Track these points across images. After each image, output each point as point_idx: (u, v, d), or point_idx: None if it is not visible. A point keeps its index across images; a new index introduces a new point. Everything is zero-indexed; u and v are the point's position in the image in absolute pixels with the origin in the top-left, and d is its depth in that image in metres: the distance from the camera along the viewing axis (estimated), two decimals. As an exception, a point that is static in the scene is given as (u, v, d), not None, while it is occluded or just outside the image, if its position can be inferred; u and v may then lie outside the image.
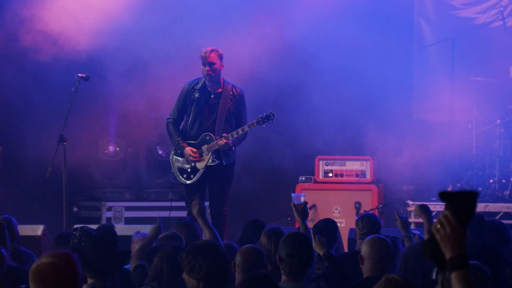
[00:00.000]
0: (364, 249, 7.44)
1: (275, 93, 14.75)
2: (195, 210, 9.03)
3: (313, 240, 8.24)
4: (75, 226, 11.35)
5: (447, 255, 4.05)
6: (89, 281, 6.98)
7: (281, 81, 14.89)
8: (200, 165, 11.85)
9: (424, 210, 9.00)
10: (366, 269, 7.39)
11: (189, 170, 11.92)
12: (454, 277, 4.05)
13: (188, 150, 11.79)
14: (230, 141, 11.66)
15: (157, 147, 15.04)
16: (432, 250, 4.04)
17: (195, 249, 6.58)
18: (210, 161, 11.79)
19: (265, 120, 11.69)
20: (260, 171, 15.17)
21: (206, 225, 8.84)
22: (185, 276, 6.60)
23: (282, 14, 15.25)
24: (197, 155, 11.78)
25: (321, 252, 8.21)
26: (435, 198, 14.63)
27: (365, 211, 13.49)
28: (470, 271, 5.67)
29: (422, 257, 7.40)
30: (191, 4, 14.74)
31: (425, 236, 7.77)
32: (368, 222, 9.23)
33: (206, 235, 8.73)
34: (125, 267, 8.28)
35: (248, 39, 14.76)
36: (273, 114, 11.69)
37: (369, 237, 7.74)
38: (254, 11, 14.92)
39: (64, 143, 12.43)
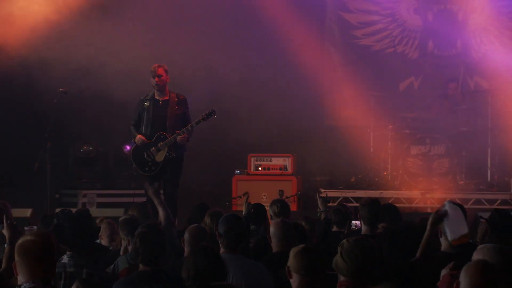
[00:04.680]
0: (271, 230, 7.42)
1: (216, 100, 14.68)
2: (150, 192, 9.01)
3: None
4: (57, 209, 11.28)
5: None
6: (68, 253, 6.93)
7: (222, 92, 14.85)
8: (158, 158, 11.83)
9: None
10: (273, 245, 7.38)
11: (150, 163, 11.88)
12: None
13: (138, 136, 11.83)
14: (183, 135, 11.71)
15: (123, 146, 14.94)
16: None
17: (136, 234, 6.63)
18: (167, 154, 11.79)
19: (209, 116, 11.76)
20: (203, 164, 15.12)
21: (160, 204, 8.79)
22: None
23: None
24: (145, 139, 11.77)
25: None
26: (341, 187, 14.71)
27: (286, 197, 13.51)
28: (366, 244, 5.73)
29: None
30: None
31: None
32: (280, 206, 9.22)
33: (160, 214, 8.70)
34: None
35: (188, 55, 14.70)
36: (214, 111, 11.76)
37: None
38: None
39: (48, 143, 12.34)
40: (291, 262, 5.62)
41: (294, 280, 5.64)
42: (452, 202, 7.08)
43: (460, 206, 8.50)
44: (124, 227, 8.37)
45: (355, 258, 5.59)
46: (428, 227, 6.91)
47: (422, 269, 6.80)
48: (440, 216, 6.89)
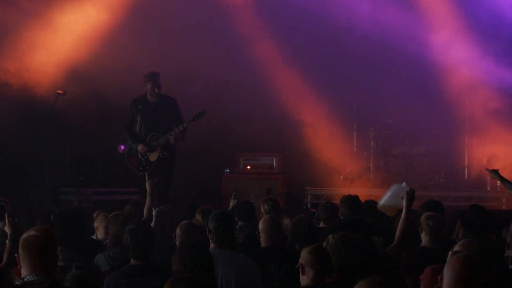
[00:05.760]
0: (259, 226, 7.48)
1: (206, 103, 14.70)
2: (149, 184, 9.23)
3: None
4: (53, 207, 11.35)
5: None
6: (58, 248, 6.98)
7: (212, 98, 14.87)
8: (152, 158, 11.90)
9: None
10: (262, 241, 7.44)
11: (144, 163, 11.93)
12: None
13: (140, 145, 11.86)
14: (175, 135, 11.78)
15: (117, 146, 14.94)
16: None
17: (127, 230, 6.75)
18: (160, 153, 11.85)
19: (198, 116, 11.86)
20: (195, 164, 15.14)
21: (149, 195, 8.97)
22: None
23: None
24: (147, 148, 11.83)
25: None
26: (326, 185, 14.75)
27: (274, 194, 13.55)
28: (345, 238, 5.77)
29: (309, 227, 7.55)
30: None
31: None
32: (271, 204, 9.28)
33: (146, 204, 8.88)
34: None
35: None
36: (204, 111, 11.83)
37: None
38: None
39: (46, 144, 12.40)
40: (306, 259, 5.61)
41: (307, 275, 5.63)
42: (407, 184, 7.20)
43: (438, 203, 8.58)
44: (113, 222, 8.45)
45: (339, 254, 5.64)
46: (404, 211, 7.01)
47: (399, 256, 6.89)
48: (412, 196, 7.08)
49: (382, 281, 4.38)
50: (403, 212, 7.17)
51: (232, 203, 9.28)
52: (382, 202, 7.40)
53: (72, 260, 6.93)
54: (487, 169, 9.94)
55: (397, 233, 7.10)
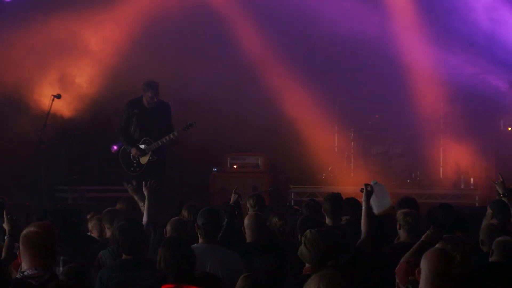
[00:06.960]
0: (245, 222, 7.58)
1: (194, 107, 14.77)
2: (130, 190, 9.18)
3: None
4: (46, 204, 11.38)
5: None
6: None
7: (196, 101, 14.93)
8: (143, 161, 11.99)
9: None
10: (247, 236, 7.53)
11: (135, 164, 12.02)
12: None
13: (134, 149, 11.94)
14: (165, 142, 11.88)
15: (110, 146, 14.97)
16: None
17: (116, 226, 6.83)
18: (150, 157, 11.94)
19: (189, 127, 11.95)
20: (185, 163, 15.19)
21: (140, 200, 8.95)
22: None
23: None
24: (139, 152, 11.91)
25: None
26: (309, 183, 14.82)
27: (260, 192, 13.61)
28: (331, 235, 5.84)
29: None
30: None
31: None
32: (256, 199, 9.35)
33: (141, 209, 8.88)
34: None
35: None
36: (194, 122, 11.92)
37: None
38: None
39: (43, 146, 12.43)
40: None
41: None
42: (376, 182, 7.39)
43: (413, 200, 8.68)
44: (107, 218, 8.50)
45: (317, 247, 5.75)
46: (363, 204, 7.16)
47: (370, 249, 6.98)
48: (370, 192, 7.41)
49: (333, 275, 4.47)
50: (363, 207, 7.30)
51: (233, 197, 9.28)
52: (375, 211, 7.50)
53: (61, 254, 6.98)
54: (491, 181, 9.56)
55: (363, 228, 7.19)
